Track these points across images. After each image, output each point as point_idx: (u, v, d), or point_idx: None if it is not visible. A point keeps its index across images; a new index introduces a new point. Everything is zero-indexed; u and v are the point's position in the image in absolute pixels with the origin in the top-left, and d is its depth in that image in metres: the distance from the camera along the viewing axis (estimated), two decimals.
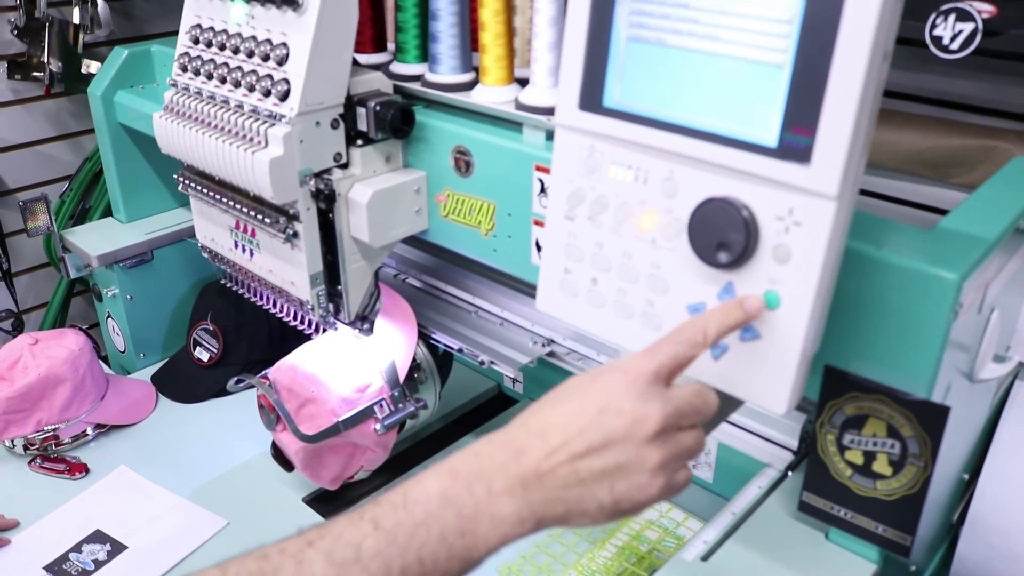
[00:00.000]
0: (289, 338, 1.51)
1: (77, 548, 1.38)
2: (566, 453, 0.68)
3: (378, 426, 1.36)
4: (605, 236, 0.82)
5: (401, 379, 1.38)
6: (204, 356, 1.75)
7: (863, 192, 1.62)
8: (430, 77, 1.17)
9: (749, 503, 1.14)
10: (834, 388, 0.91)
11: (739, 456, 1.30)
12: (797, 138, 0.68)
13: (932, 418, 0.87)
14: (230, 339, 1.74)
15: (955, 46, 1.05)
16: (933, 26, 1.06)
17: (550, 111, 1.03)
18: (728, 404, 0.84)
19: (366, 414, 1.36)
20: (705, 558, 1.07)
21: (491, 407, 1.76)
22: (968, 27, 1.03)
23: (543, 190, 1.04)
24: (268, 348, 1.73)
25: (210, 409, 1.73)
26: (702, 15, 0.72)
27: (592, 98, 0.80)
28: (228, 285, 1.41)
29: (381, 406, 1.37)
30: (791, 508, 1.10)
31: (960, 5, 1.04)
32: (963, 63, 1.08)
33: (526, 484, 0.68)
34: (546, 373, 1.65)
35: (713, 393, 0.73)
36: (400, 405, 1.38)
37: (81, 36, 2.01)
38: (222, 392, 1.70)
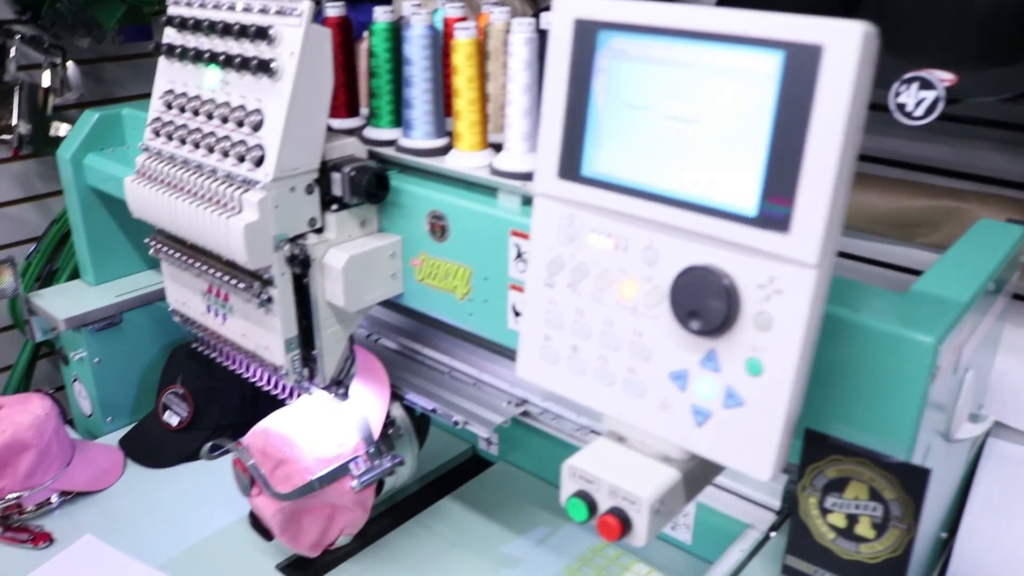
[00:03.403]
0: (262, 402, 1.49)
1: None
2: None
3: (355, 483, 1.34)
4: (586, 303, 0.82)
5: (375, 435, 1.37)
6: (174, 420, 1.72)
7: None
8: (404, 142, 1.17)
9: (732, 567, 1.13)
10: (815, 451, 0.91)
11: (719, 516, 1.29)
12: (776, 207, 0.68)
13: (914, 481, 0.87)
14: (200, 403, 1.71)
15: (919, 113, 1.08)
16: (897, 94, 1.08)
17: (525, 176, 1.04)
18: (710, 470, 0.83)
19: (342, 471, 1.34)
20: None
21: (466, 469, 1.74)
22: (931, 95, 1.06)
23: (519, 255, 1.04)
24: (240, 412, 1.70)
25: (180, 474, 1.69)
26: (681, 88, 0.73)
27: (571, 167, 0.80)
28: (199, 348, 1.39)
29: (357, 463, 1.35)
30: (774, 571, 1.09)
31: (922, 74, 1.07)
32: (928, 127, 1.11)
33: None
34: (520, 434, 1.64)
35: None
36: (376, 461, 1.36)
37: (51, 99, 2.00)
38: (192, 457, 1.67)
